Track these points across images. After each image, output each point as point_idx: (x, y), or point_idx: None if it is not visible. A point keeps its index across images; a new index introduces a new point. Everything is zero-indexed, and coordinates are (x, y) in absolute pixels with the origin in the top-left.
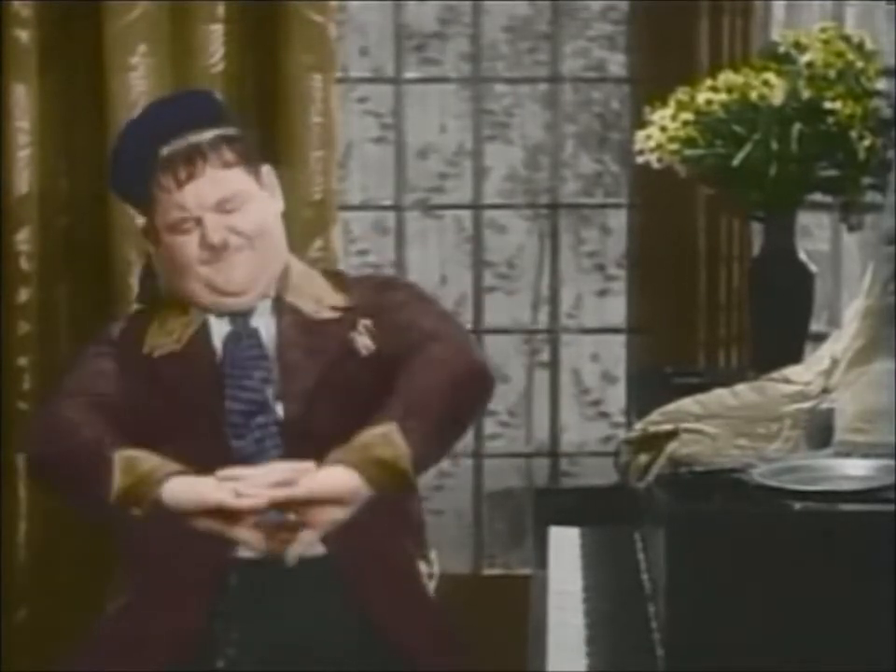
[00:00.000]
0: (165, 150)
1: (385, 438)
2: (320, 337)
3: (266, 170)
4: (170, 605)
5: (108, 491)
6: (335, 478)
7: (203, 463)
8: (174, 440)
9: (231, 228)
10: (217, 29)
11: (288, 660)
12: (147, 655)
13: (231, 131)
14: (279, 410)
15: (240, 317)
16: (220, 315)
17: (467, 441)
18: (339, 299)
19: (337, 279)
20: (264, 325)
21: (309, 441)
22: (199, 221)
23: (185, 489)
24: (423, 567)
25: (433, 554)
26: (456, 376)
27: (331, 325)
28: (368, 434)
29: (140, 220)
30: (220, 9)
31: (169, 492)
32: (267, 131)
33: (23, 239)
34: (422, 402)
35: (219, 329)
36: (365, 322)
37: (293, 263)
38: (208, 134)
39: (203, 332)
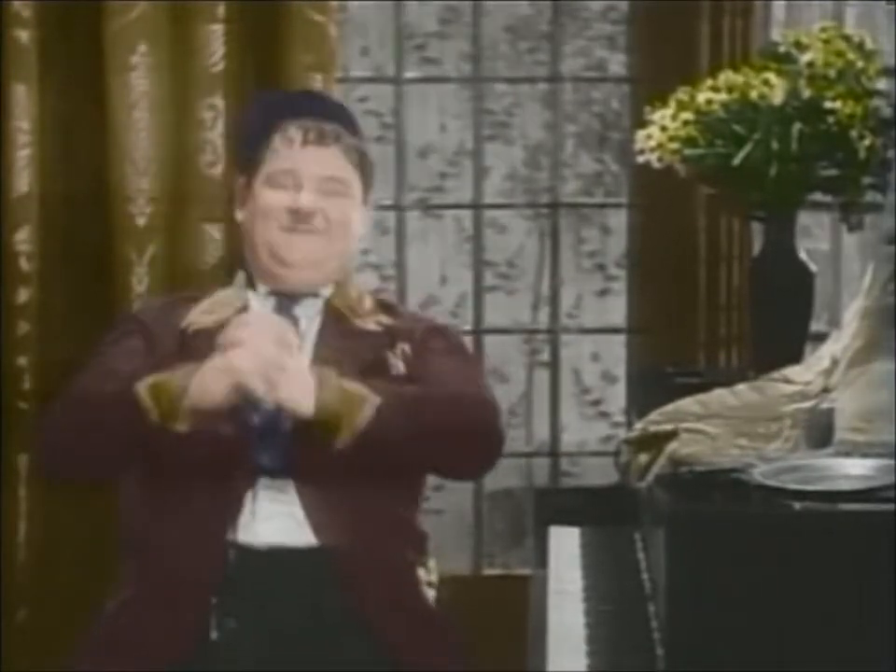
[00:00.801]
0: (305, 118)
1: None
2: (357, 343)
3: (370, 205)
4: (170, 597)
5: (141, 425)
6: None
7: (221, 438)
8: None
9: (322, 209)
10: (217, 29)
11: (284, 647)
12: (147, 648)
13: (362, 146)
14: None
15: (285, 302)
16: (267, 296)
17: None
18: (384, 318)
19: (389, 308)
20: (306, 319)
21: (325, 466)
22: (298, 186)
23: (201, 387)
24: (422, 573)
25: (432, 563)
26: (465, 414)
27: (371, 336)
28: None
29: (238, 183)
30: (220, 9)
31: (192, 396)
32: None
33: (23, 239)
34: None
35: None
36: (404, 346)
37: (352, 283)
38: (346, 129)
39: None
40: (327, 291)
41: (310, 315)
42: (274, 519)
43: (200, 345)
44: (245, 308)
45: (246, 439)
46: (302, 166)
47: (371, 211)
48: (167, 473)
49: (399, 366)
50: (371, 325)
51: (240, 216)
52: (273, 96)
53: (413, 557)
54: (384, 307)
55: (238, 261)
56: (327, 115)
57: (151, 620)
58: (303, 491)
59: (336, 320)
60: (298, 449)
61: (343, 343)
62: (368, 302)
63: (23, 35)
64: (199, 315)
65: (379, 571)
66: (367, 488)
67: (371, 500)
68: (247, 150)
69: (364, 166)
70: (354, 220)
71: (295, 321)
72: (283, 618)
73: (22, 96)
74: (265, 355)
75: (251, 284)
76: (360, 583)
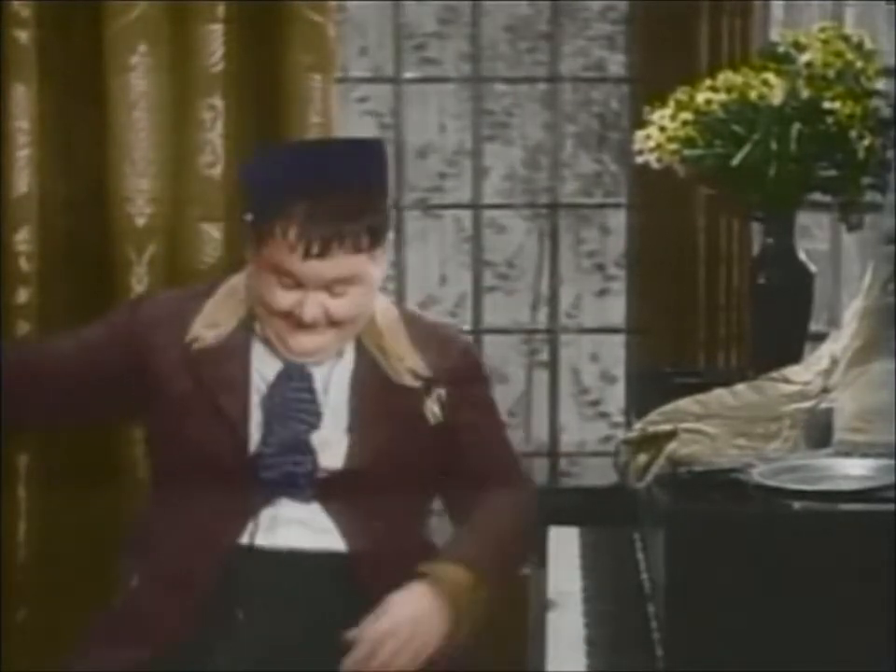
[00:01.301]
0: (311, 202)
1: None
2: (394, 403)
3: (384, 248)
4: (172, 591)
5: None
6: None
7: (229, 482)
8: (201, 447)
9: (327, 310)
10: (217, 29)
11: (289, 647)
12: (150, 641)
13: (379, 199)
14: (325, 453)
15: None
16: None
17: None
18: (419, 363)
19: (418, 335)
20: (321, 370)
21: (351, 489)
22: (301, 291)
23: None
24: None
25: None
26: (524, 522)
27: (407, 392)
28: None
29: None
30: (220, 9)
31: None
32: (267, 131)
33: (23, 239)
34: (495, 548)
35: (267, 359)
36: (440, 392)
37: (381, 310)
38: (360, 198)
39: (245, 332)
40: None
41: (324, 366)
42: (292, 525)
43: (203, 368)
44: (248, 318)
45: (270, 456)
46: (306, 279)
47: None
48: (182, 479)
49: (435, 412)
50: (406, 377)
51: (249, 256)
52: (281, 159)
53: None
54: (413, 335)
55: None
56: (340, 181)
57: (155, 608)
58: (330, 505)
59: (368, 369)
60: (325, 469)
61: (378, 404)
62: (400, 340)
63: (23, 35)
64: (202, 329)
65: (394, 578)
66: (391, 496)
67: (395, 506)
68: (254, 205)
69: (379, 240)
70: (368, 297)
71: (309, 376)
72: (293, 621)
73: (22, 96)
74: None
75: None
76: (378, 589)
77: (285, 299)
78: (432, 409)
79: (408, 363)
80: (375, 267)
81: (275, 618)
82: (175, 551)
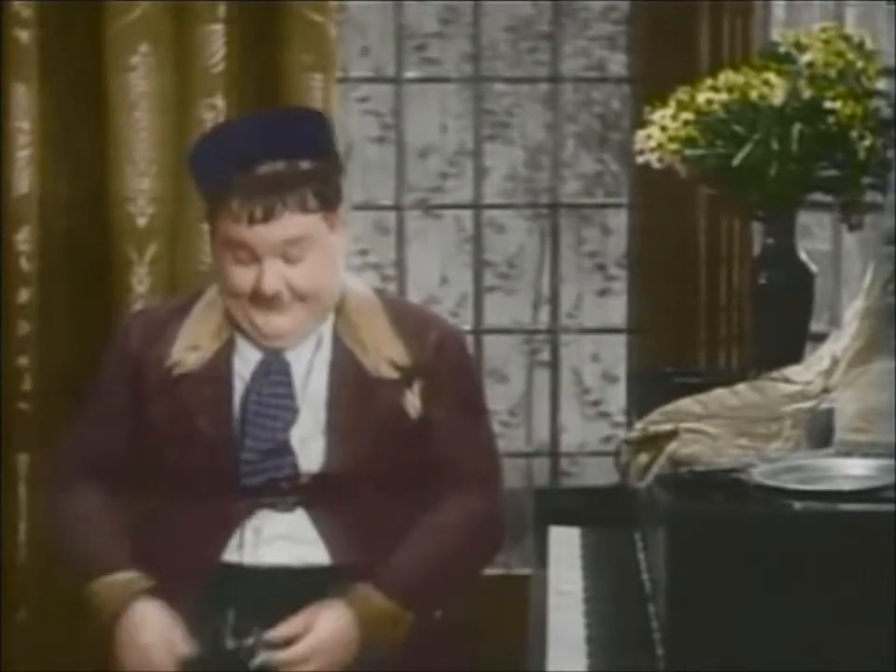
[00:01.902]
0: (251, 172)
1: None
2: (372, 399)
3: (342, 210)
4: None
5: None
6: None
7: (212, 498)
8: (183, 467)
9: (288, 281)
10: (218, 29)
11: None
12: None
13: (325, 168)
14: (304, 455)
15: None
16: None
17: None
18: (398, 352)
19: (397, 319)
20: (298, 359)
21: (333, 494)
22: (256, 261)
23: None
24: None
25: None
26: (474, 545)
27: (385, 385)
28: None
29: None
30: (220, 9)
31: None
32: None
33: (23, 239)
34: (425, 576)
35: (248, 354)
36: (420, 384)
37: (352, 290)
38: (303, 166)
39: (227, 352)
40: (322, 326)
41: (303, 354)
42: (276, 541)
43: (184, 393)
44: (231, 341)
45: (250, 462)
46: (258, 245)
47: (346, 216)
48: (164, 490)
49: (416, 405)
50: (384, 367)
51: (213, 255)
52: (223, 136)
53: None
54: (395, 320)
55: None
56: (282, 154)
57: None
58: (314, 512)
59: (345, 362)
60: (306, 473)
61: (357, 401)
62: (377, 325)
63: (23, 35)
64: (183, 352)
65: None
66: (374, 500)
67: (379, 511)
68: (204, 191)
69: (329, 199)
70: (329, 264)
71: (286, 368)
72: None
73: (22, 96)
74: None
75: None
76: None
77: (243, 277)
78: (413, 402)
79: (386, 352)
80: (333, 235)
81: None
82: (160, 569)
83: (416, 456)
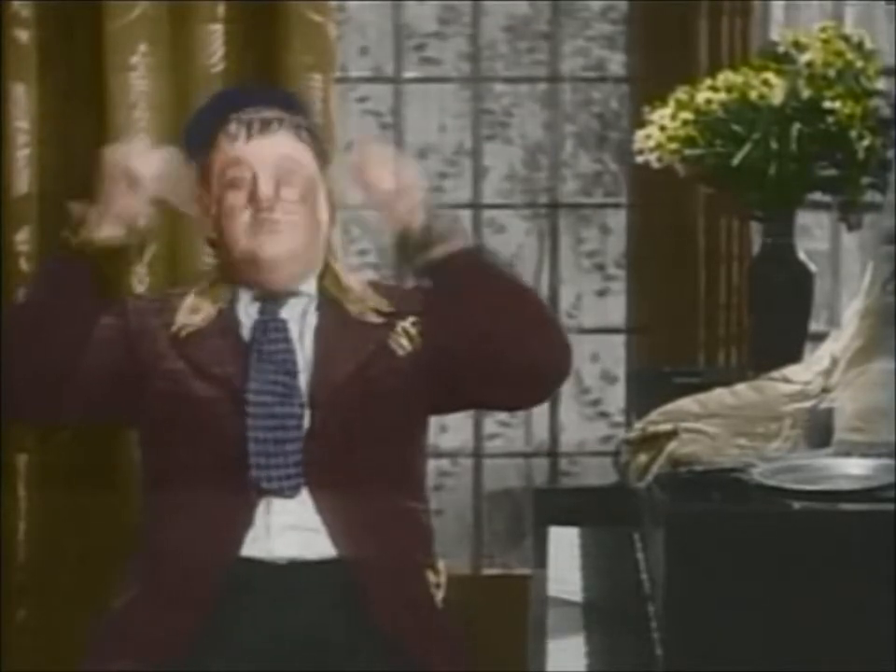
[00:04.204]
0: (245, 113)
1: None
2: (357, 335)
3: (329, 171)
4: (173, 602)
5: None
6: None
7: (223, 450)
8: (196, 420)
9: (280, 196)
10: (217, 29)
11: (289, 660)
12: (147, 650)
13: (312, 124)
14: (304, 397)
15: (270, 305)
16: (251, 302)
17: (466, 440)
18: (383, 303)
19: (380, 287)
20: (294, 319)
21: (333, 435)
22: (253, 176)
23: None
24: (431, 576)
25: (441, 564)
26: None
27: (369, 327)
28: None
29: (198, 196)
30: (220, 9)
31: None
32: None
33: (23, 239)
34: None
35: (247, 312)
36: (404, 324)
37: (340, 268)
38: (291, 114)
39: (230, 312)
40: (311, 287)
41: (296, 315)
42: (287, 533)
43: (194, 349)
44: (232, 304)
45: (255, 453)
46: (252, 156)
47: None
48: (175, 484)
49: (404, 345)
50: (368, 314)
51: (206, 228)
52: (211, 100)
53: (423, 559)
54: (375, 286)
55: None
56: (268, 104)
57: (154, 619)
58: (319, 501)
59: (331, 310)
60: (309, 459)
61: (342, 335)
62: (358, 285)
63: (23, 35)
64: (187, 316)
65: (394, 578)
66: (377, 484)
67: (384, 499)
68: (196, 160)
69: (316, 143)
70: (318, 200)
71: (283, 324)
72: (295, 629)
73: (22, 96)
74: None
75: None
76: (377, 592)
77: (238, 198)
78: (398, 341)
79: (370, 303)
80: (322, 187)
81: (274, 631)
82: (173, 565)
83: (416, 390)
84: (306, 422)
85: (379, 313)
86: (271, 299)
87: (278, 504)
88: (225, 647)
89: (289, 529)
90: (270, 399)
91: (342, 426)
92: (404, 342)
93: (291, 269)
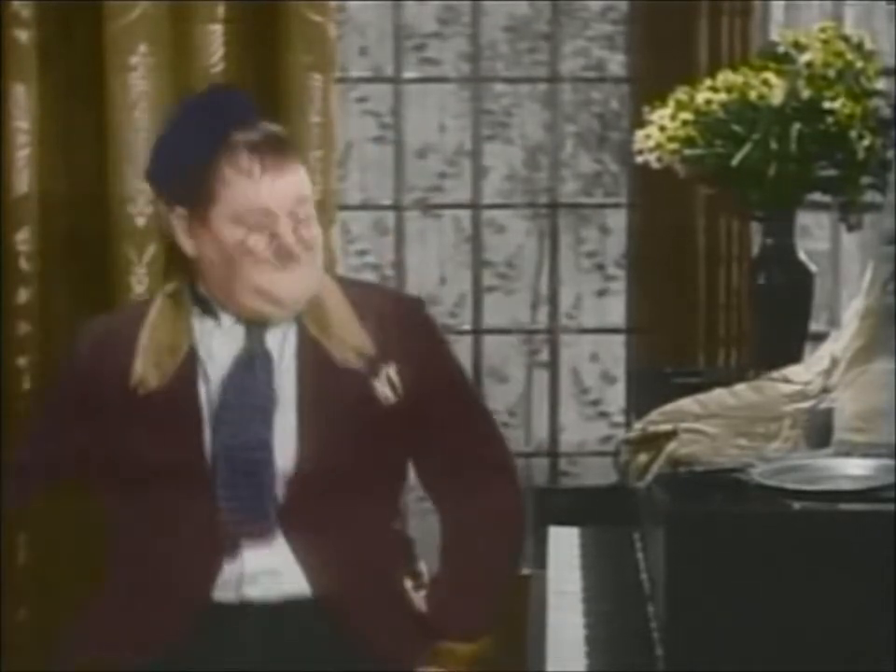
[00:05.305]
0: (243, 134)
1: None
2: (340, 384)
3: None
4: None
5: None
6: None
7: (190, 504)
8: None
9: (300, 238)
10: (217, 29)
11: None
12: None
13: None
14: (281, 454)
15: (255, 331)
16: (234, 325)
17: None
18: (364, 341)
19: (358, 304)
20: (277, 352)
21: (311, 481)
22: (274, 223)
23: None
24: (409, 583)
25: (421, 566)
26: (511, 540)
27: (351, 374)
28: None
29: (176, 212)
30: (220, 9)
31: None
32: None
33: (23, 239)
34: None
35: (223, 351)
36: (389, 372)
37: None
38: (268, 127)
39: (190, 364)
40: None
41: (279, 344)
42: (260, 577)
43: (152, 412)
44: (193, 351)
45: (227, 497)
46: (272, 201)
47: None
48: (142, 529)
49: (387, 394)
50: (350, 359)
51: (189, 247)
52: (204, 105)
53: (402, 571)
54: (353, 302)
55: (185, 287)
56: (242, 114)
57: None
58: (294, 544)
59: (312, 353)
60: (285, 503)
61: (325, 384)
62: (345, 318)
63: (23, 35)
64: (146, 368)
65: (374, 606)
66: (355, 522)
67: (362, 533)
68: (183, 180)
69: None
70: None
71: (269, 357)
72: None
73: (22, 96)
74: None
75: (210, 311)
76: (357, 624)
77: (259, 241)
78: (383, 391)
79: (351, 342)
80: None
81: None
82: (142, 609)
83: (398, 445)
84: (284, 465)
85: (360, 355)
86: (257, 325)
87: (251, 548)
88: None
89: (263, 573)
90: (242, 442)
91: (320, 472)
92: (388, 392)
93: (303, 303)
